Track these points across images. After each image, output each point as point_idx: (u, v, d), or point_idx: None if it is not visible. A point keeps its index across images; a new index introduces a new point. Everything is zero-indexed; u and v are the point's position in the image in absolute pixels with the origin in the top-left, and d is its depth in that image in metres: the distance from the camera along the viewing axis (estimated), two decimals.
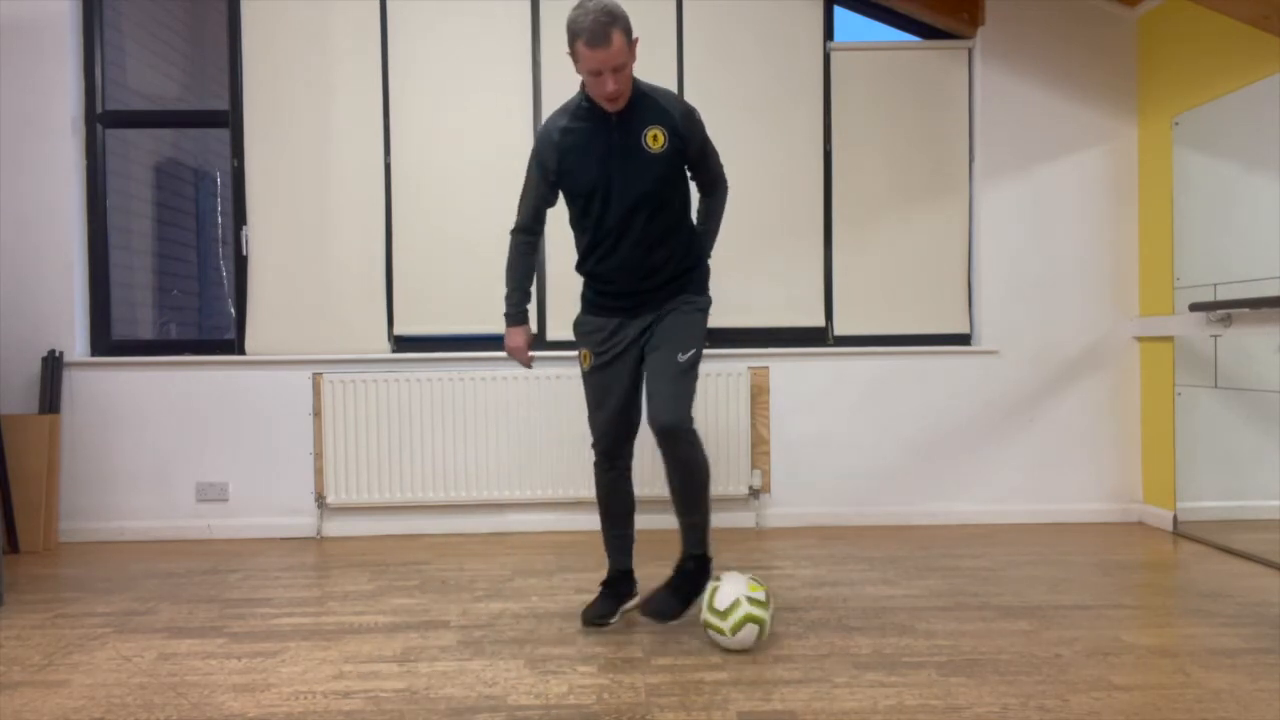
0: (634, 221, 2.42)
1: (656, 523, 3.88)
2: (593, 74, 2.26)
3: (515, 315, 2.60)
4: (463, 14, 3.85)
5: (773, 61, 3.91)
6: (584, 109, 2.40)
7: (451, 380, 3.74)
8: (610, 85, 2.27)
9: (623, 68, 2.26)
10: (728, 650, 2.30)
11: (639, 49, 2.38)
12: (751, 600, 2.26)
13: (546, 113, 3.87)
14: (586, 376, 2.56)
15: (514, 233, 2.56)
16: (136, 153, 4.43)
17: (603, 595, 2.60)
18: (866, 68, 3.94)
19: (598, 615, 2.52)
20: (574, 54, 2.27)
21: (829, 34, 3.94)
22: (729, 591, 2.28)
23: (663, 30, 3.89)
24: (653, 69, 3.89)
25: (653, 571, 2.88)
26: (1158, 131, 3.78)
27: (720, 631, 2.27)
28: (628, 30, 2.25)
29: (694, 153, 2.46)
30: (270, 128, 3.83)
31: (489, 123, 3.87)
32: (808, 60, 3.92)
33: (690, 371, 2.43)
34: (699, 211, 2.64)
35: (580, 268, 2.56)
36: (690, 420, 2.41)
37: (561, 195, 2.51)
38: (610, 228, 2.43)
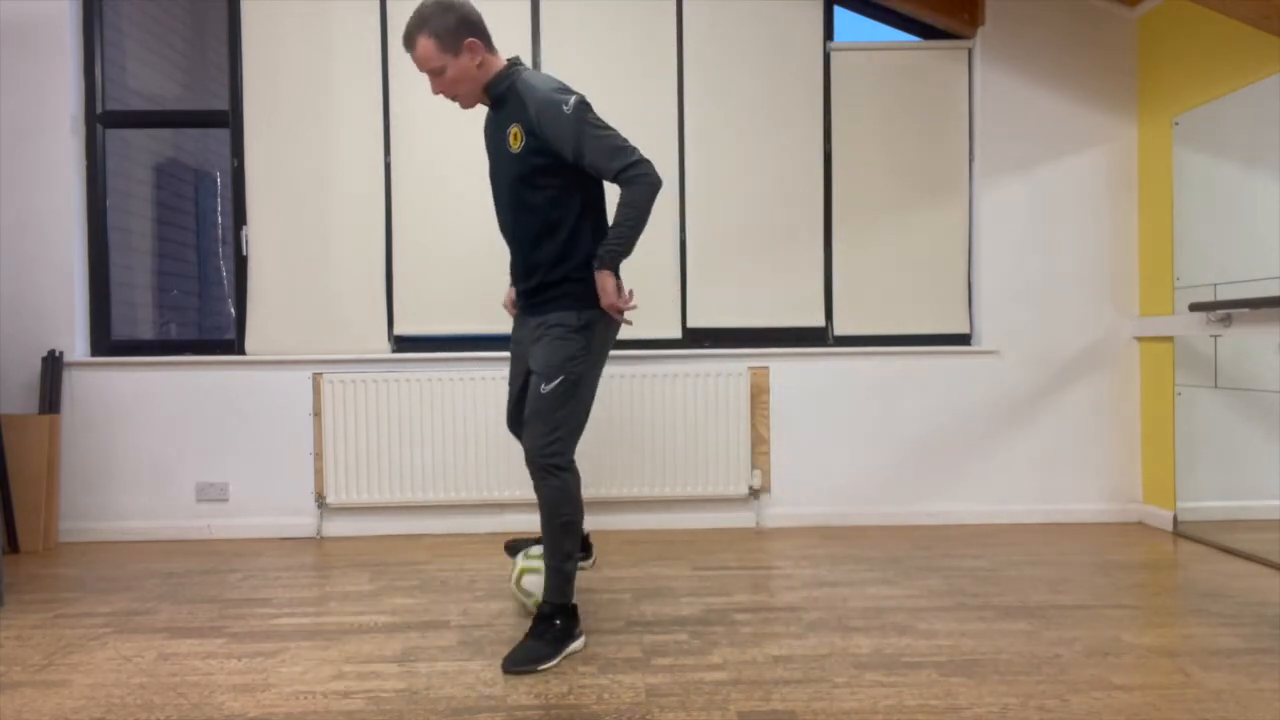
0: (506, 219, 2.42)
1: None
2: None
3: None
4: None
5: (773, 61, 3.91)
6: None
7: (451, 380, 3.74)
8: (434, 88, 2.31)
9: (440, 72, 2.27)
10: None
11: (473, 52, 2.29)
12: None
13: None
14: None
15: None
16: (136, 153, 4.43)
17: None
18: (866, 68, 3.94)
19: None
20: None
21: (829, 34, 3.94)
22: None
23: (663, 30, 3.89)
24: (652, 68, 3.89)
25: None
26: (1158, 131, 3.78)
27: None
28: (441, 34, 2.23)
29: (566, 149, 2.23)
30: (270, 128, 3.83)
31: None
32: (808, 60, 3.92)
33: (555, 402, 2.29)
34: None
35: None
36: (550, 454, 2.28)
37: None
38: (500, 221, 2.47)
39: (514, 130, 2.27)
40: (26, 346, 3.75)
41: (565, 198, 2.30)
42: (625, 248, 2.27)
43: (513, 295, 2.60)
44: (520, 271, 2.42)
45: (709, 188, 3.89)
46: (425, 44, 2.24)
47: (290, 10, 3.83)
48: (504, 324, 3.87)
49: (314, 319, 3.84)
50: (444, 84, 2.29)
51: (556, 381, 2.28)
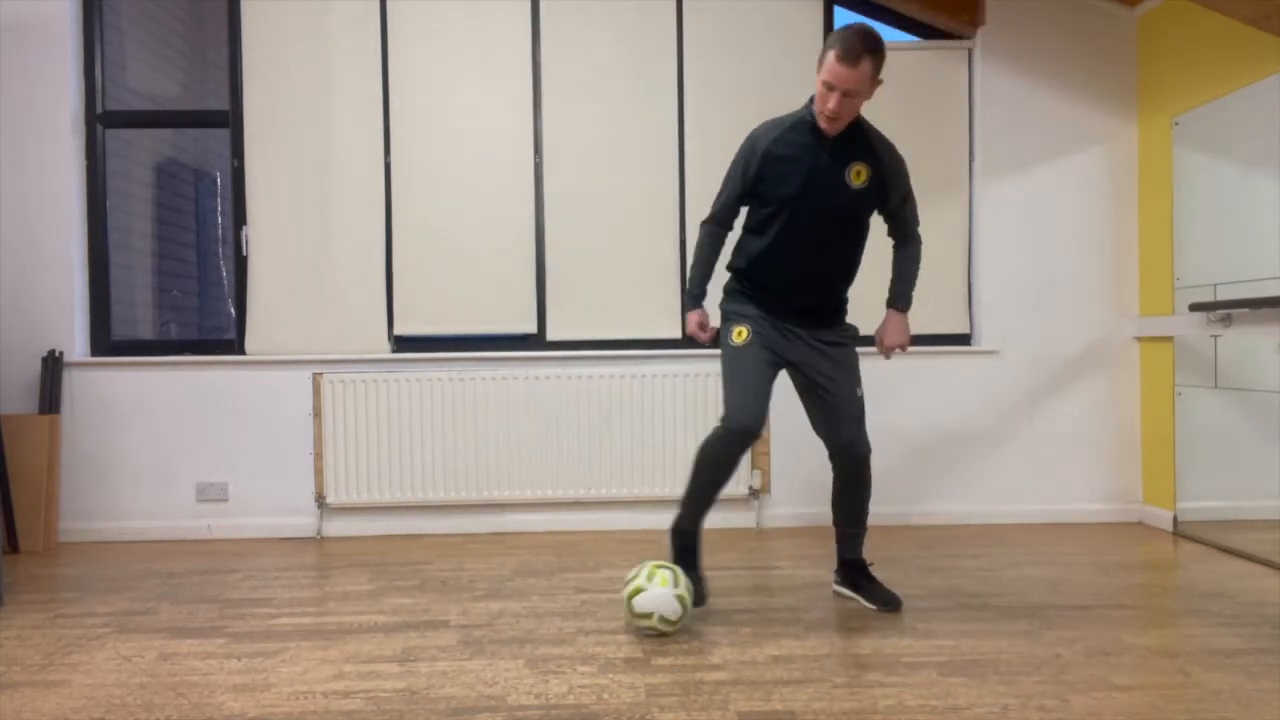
0: (811, 245, 2.53)
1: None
2: (826, 86, 2.34)
3: (696, 298, 2.70)
4: (463, 14, 3.85)
5: (773, 61, 3.90)
6: (804, 124, 2.49)
7: (451, 380, 3.74)
8: (832, 104, 2.35)
9: (854, 95, 2.35)
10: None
11: (877, 92, 2.48)
12: (664, 620, 2.37)
13: (546, 113, 3.88)
14: (737, 351, 2.57)
15: (705, 224, 2.70)
16: (136, 153, 4.43)
17: (699, 578, 2.69)
18: None
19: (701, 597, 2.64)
20: (820, 62, 2.36)
21: (829, 34, 3.93)
22: (648, 604, 2.38)
23: (663, 30, 3.89)
24: (652, 69, 3.89)
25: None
26: (1158, 131, 3.78)
27: (628, 616, 2.44)
28: (877, 68, 2.35)
29: (894, 201, 2.60)
30: (270, 128, 3.83)
31: (489, 123, 3.87)
32: (808, 60, 3.92)
33: (862, 402, 2.65)
34: (895, 259, 2.74)
35: (739, 266, 2.65)
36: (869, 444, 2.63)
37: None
38: (788, 244, 2.53)
39: (858, 168, 2.49)
40: (26, 346, 3.75)
41: (863, 241, 2.64)
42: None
43: (705, 318, 2.69)
44: (814, 292, 2.60)
45: (709, 187, 3.87)
46: (866, 69, 2.32)
47: (290, 10, 3.83)
48: (503, 324, 3.87)
49: (314, 319, 3.84)
50: (848, 107, 2.37)
51: (860, 385, 2.65)
